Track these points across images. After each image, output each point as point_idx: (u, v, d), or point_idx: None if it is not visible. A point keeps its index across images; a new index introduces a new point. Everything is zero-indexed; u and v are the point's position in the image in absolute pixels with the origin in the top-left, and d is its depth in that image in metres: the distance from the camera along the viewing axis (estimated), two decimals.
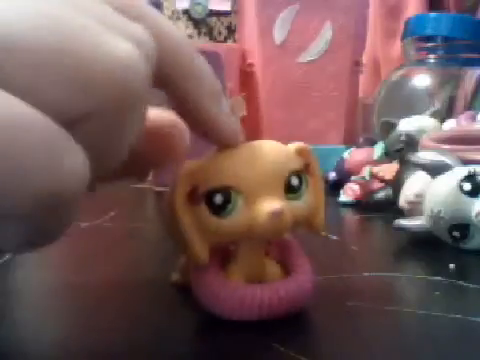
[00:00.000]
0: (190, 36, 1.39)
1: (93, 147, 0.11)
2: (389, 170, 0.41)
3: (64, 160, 0.10)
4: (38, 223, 0.11)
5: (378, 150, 0.47)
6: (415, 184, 0.32)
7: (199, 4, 1.38)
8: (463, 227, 0.28)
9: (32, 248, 0.12)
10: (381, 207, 0.40)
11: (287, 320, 0.18)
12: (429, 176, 0.30)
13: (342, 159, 0.51)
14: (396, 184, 0.36)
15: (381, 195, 0.42)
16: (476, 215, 0.27)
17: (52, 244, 0.12)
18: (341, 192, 0.46)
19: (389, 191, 0.40)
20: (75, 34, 0.11)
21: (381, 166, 0.43)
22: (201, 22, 1.42)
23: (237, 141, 0.17)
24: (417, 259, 0.28)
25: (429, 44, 0.63)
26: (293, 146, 0.18)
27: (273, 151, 0.18)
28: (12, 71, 0.10)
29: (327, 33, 0.67)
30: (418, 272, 0.26)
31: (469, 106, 0.58)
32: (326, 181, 0.51)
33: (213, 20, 1.42)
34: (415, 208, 0.31)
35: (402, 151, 0.42)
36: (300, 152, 0.18)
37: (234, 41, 1.31)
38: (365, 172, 0.44)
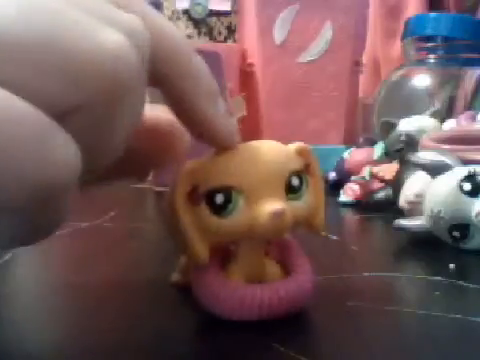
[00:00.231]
0: (190, 36, 1.39)
1: (84, 139, 0.11)
2: (389, 170, 0.41)
3: (56, 151, 0.10)
4: (31, 217, 0.11)
5: (378, 150, 0.47)
6: (415, 184, 0.32)
7: (199, 4, 1.38)
8: (463, 227, 0.28)
9: (24, 244, 0.12)
10: (381, 207, 0.40)
11: (287, 320, 0.18)
12: (429, 176, 0.30)
13: (342, 159, 0.51)
14: (396, 184, 0.36)
15: (381, 195, 0.42)
16: (476, 215, 0.27)
17: (48, 243, 0.12)
18: (341, 192, 0.46)
19: (389, 191, 0.40)
20: (65, 26, 0.11)
21: (381, 166, 0.43)
22: (201, 22, 1.42)
23: (233, 143, 0.17)
24: (417, 259, 0.28)
25: (429, 44, 0.63)
26: (293, 146, 0.18)
27: (273, 151, 0.18)
28: (1, 64, 0.10)
29: (327, 33, 0.67)
30: (418, 272, 0.26)
31: (469, 106, 0.58)
32: (326, 181, 0.51)
33: (213, 20, 1.42)
34: (415, 208, 0.31)
35: (402, 151, 0.42)
36: (300, 152, 0.18)
37: (234, 41, 1.31)
38: (365, 172, 0.44)
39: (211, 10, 1.40)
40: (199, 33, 1.43)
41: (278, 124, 0.67)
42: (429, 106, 0.56)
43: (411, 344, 0.17)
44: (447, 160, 0.29)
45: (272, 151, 0.17)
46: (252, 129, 0.67)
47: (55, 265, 0.28)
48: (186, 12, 1.41)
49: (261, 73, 0.69)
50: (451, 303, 0.21)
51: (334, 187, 0.49)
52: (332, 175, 0.51)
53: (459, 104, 0.59)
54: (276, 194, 0.17)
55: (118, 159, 0.13)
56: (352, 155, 0.50)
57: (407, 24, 0.65)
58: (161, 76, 0.14)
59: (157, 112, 0.18)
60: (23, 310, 0.20)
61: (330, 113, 0.68)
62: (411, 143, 0.41)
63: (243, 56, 0.71)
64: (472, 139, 0.35)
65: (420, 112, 0.50)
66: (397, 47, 0.72)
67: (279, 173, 0.17)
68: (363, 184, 0.44)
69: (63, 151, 0.11)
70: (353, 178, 0.46)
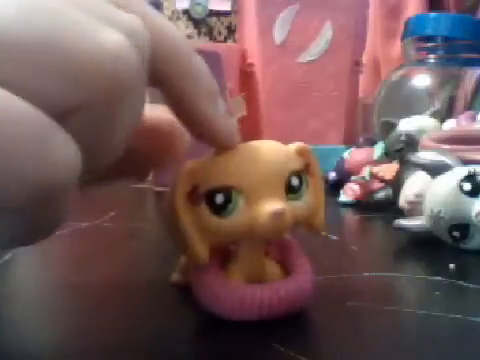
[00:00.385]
0: (190, 36, 1.39)
1: (84, 139, 0.11)
2: (389, 170, 0.41)
3: (56, 151, 0.10)
4: (31, 217, 0.11)
5: (378, 150, 0.47)
6: (415, 184, 0.32)
7: (199, 4, 1.38)
8: (463, 227, 0.28)
9: (24, 244, 0.12)
10: (381, 207, 0.40)
11: (287, 320, 0.18)
12: (429, 176, 0.30)
13: (342, 159, 0.51)
14: (396, 184, 0.36)
15: (381, 195, 0.42)
16: (476, 215, 0.27)
17: (48, 243, 0.12)
18: (341, 192, 0.46)
19: (389, 191, 0.40)
20: (65, 26, 0.11)
21: (381, 166, 0.43)
22: (201, 22, 1.42)
23: (233, 143, 0.17)
24: (417, 259, 0.28)
25: (429, 44, 0.63)
26: (293, 146, 0.18)
27: (273, 151, 0.18)
28: (1, 64, 0.10)
29: (327, 33, 0.67)
30: (418, 272, 0.26)
31: (469, 106, 0.58)
32: (326, 181, 0.51)
33: (213, 20, 1.42)
34: (415, 208, 0.31)
35: (402, 151, 0.42)
36: (300, 152, 0.18)
37: (234, 41, 1.31)
38: (365, 172, 0.44)
39: (211, 10, 1.40)
40: (199, 33, 1.43)
41: (278, 124, 0.67)
42: (429, 106, 0.56)
43: (411, 344, 0.17)
44: (447, 160, 0.29)
45: (272, 151, 0.17)
46: (252, 129, 0.67)
47: (55, 265, 0.28)
48: (186, 12, 1.41)
49: (261, 73, 0.69)
50: (451, 303, 0.21)
51: (334, 187, 0.49)
52: (332, 175, 0.51)
53: (459, 104, 0.59)
54: (276, 194, 0.17)
55: (118, 159, 0.13)
56: (352, 155, 0.50)
57: (407, 24, 0.65)
58: (161, 76, 0.14)
59: (157, 112, 0.18)
60: (23, 310, 0.20)
61: (330, 113, 0.68)
62: (411, 143, 0.41)
63: (243, 56, 0.71)
64: (472, 139, 0.35)
65: (420, 112, 0.50)
66: (397, 47, 0.72)
67: (279, 173, 0.17)
68: (363, 184, 0.44)
69: (63, 151, 0.11)
70: (353, 178, 0.46)
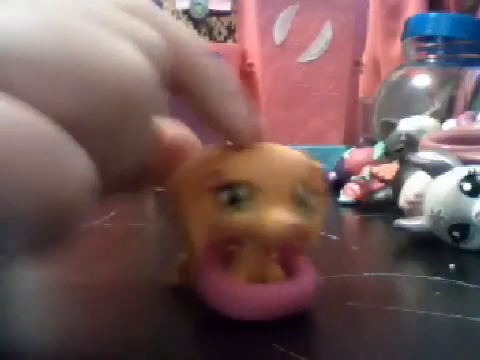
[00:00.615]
0: None
1: (98, 154, 0.11)
2: (389, 170, 0.41)
3: (68, 166, 0.10)
4: (44, 231, 0.11)
5: (378, 150, 0.47)
6: (415, 184, 0.32)
7: (199, 4, 1.38)
8: (463, 227, 0.28)
9: (35, 254, 0.12)
10: (381, 207, 0.40)
11: (287, 320, 0.18)
12: (429, 176, 0.30)
13: (342, 159, 0.51)
14: (396, 184, 0.36)
15: (381, 195, 0.42)
16: (476, 215, 0.27)
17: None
18: (341, 192, 0.46)
19: (389, 191, 0.40)
20: (81, 43, 0.11)
21: (381, 166, 0.43)
22: (201, 22, 1.42)
23: (258, 140, 0.18)
24: (417, 259, 0.28)
25: (429, 44, 0.63)
26: (308, 162, 0.19)
27: (293, 161, 0.18)
28: (15, 79, 0.10)
29: (327, 33, 0.67)
30: (418, 272, 0.26)
31: (469, 106, 0.58)
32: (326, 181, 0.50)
33: (213, 20, 1.42)
34: (415, 208, 0.31)
35: (402, 151, 0.42)
36: (312, 170, 0.19)
37: (234, 41, 1.31)
38: (365, 172, 0.44)
39: (211, 10, 1.39)
40: (199, 33, 1.42)
41: (278, 124, 0.67)
42: (429, 106, 0.56)
43: (411, 344, 0.17)
44: (447, 160, 0.29)
45: (292, 160, 0.18)
46: None
47: (55, 265, 0.28)
48: (186, 12, 1.40)
49: (261, 73, 0.69)
50: (451, 303, 0.21)
51: (334, 187, 0.49)
52: (332, 175, 0.51)
53: (459, 104, 0.59)
54: (287, 204, 0.17)
55: (137, 173, 0.14)
56: (352, 155, 0.50)
57: (407, 24, 0.65)
58: (180, 83, 0.15)
59: (174, 128, 0.19)
60: (23, 310, 0.20)
61: (330, 113, 0.68)
62: (411, 143, 0.41)
63: (243, 56, 0.71)
64: (472, 139, 0.35)
65: (420, 112, 0.50)
66: (397, 47, 0.72)
67: (295, 184, 0.18)
68: (363, 184, 0.44)
69: (76, 164, 0.11)
70: (353, 178, 0.46)
